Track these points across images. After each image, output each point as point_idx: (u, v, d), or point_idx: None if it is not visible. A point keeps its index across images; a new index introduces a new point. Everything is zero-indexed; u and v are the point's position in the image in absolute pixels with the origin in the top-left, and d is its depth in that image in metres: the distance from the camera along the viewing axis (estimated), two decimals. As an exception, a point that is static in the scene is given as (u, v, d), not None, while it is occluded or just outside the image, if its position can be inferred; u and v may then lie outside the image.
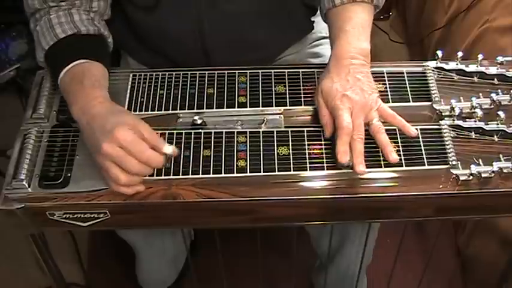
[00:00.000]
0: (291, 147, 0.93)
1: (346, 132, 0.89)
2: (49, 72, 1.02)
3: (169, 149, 0.88)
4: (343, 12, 1.00)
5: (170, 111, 0.99)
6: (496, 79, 1.01)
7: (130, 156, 0.85)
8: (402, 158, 0.92)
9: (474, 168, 0.90)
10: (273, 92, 1.01)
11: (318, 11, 1.19)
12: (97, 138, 0.86)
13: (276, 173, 0.91)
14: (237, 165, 0.91)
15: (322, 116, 0.95)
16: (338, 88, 0.93)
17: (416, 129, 0.94)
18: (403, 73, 1.03)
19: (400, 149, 0.92)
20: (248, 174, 0.90)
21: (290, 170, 0.91)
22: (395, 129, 0.94)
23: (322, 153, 0.92)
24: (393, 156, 0.90)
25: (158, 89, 1.01)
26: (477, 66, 1.02)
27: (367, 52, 0.97)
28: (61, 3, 1.00)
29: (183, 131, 0.95)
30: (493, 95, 0.97)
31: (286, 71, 1.04)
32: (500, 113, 0.94)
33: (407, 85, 1.01)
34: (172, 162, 0.91)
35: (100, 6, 1.04)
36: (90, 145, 0.89)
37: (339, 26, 0.99)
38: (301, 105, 0.99)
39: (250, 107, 0.99)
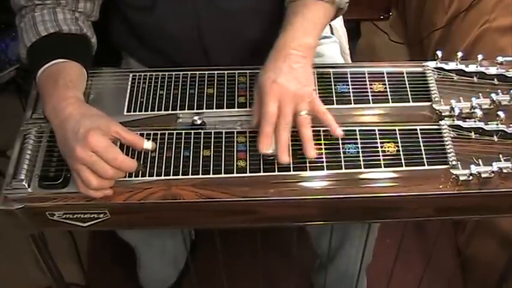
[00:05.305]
0: (290, 148, 0.93)
1: (268, 121, 0.88)
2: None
3: (149, 144, 0.90)
4: (299, 6, 0.98)
5: (170, 112, 0.98)
6: (495, 79, 1.01)
7: (103, 162, 0.85)
8: (402, 158, 0.92)
9: (474, 168, 0.90)
10: (273, 92, 1.00)
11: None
12: (70, 142, 0.85)
13: (276, 173, 0.91)
14: (236, 165, 0.91)
15: (253, 108, 0.93)
16: (271, 76, 0.90)
17: (416, 129, 0.94)
18: (402, 73, 1.03)
19: (400, 149, 0.92)
20: (248, 174, 0.90)
21: (290, 170, 0.91)
22: (394, 130, 0.94)
23: (321, 154, 0.92)
24: (311, 153, 0.89)
25: (158, 89, 1.01)
26: (477, 67, 1.02)
27: (310, 46, 0.94)
28: (46, 1, 1.00)
29: (183, 131, 0.95)
30: (493, 95, 0.97)
31: (286, 71, 1.03)
32: (500, 113, 0.94)
33: (407, 85, 1.01)
34: (172, 162, 0.91)
35: (86, 8, 1.04)
36: (62, 147, 0.89)
37: (289, 19, 0.97)
38: (300, 105, 0.99)
39: (250, 107, 0.98)
